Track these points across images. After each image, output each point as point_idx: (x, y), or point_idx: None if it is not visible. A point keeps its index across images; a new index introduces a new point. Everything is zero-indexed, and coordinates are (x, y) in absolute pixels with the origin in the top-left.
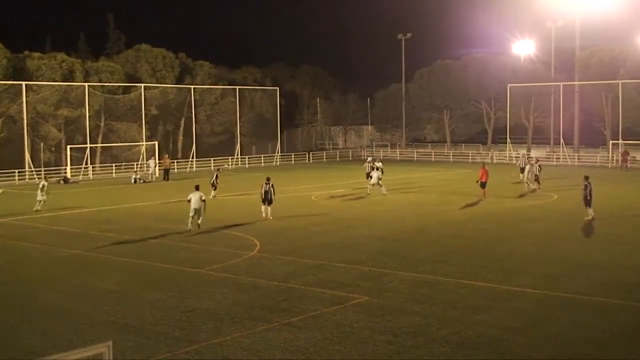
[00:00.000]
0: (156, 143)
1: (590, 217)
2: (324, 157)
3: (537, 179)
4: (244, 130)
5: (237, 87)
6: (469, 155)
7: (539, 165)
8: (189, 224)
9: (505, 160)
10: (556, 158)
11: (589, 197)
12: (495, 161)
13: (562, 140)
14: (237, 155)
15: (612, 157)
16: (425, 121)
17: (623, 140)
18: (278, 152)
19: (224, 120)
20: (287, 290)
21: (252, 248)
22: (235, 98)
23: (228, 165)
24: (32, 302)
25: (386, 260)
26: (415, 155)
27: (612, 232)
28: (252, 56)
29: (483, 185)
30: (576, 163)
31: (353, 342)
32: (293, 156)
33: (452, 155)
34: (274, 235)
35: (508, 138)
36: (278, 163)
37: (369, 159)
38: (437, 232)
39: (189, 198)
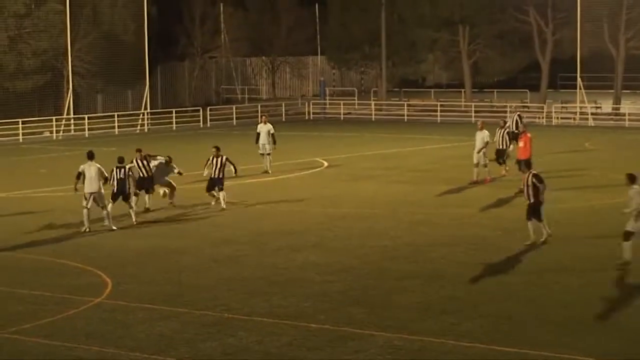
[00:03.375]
0: None
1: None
2: (233, 116)
3: (501, 156)
4: (80, 67)
5: None
6: (505, 111)
7: (508, 133)
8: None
9: (574, 119)
10: None
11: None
12: (555, 122)
13: None
14: (68, 112)
15: None
16: (425, 48)
17: None
18: (146, 109)
19: (43, 48)
20: None
21: (98, 290)
22: (65, 4)
23: (54, 132)
24: None
25: (352, 310)
26: (405, 112)
27: None
28: None
29: (526, 164)
30: None
31: None
32: (174, 115)
33: (476, 111)
34: (138, 264)
35: (579, 78)
36: (147, 128)
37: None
38: (443, 257)
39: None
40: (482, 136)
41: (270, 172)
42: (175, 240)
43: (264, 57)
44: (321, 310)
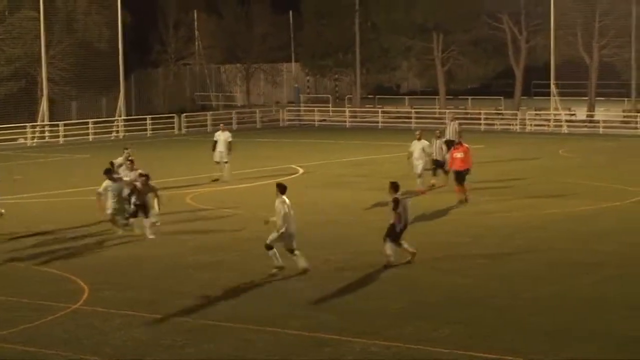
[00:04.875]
0: None
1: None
2: (208, 122)
3: (439, 166)
4: (55, 74)
5: None
6: (479, 118)
7: (446, 142)
8: None
9: (548, 126)
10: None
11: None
12: (529, 129)
13: None
14: (42, 119)
15: None
16: (399, 55)
17: None
18: (120, 115)
19: (17, 55)
20: None
21: (75, 297)
22: (39, 11)
23: (28, 139)
24: None
25: (327, 317)
26: (379, 119)
27: None
28: None
29: (459, 176)
30: None
31: None
32: (149, 122)
33: (450, 118)
34: (115, 271)
35: (552, 85)
36: (121, 134)
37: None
38: (414, 263)
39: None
40: (420, 146)
41: (228, 180)
42: (154, 249)
43: (238, 64)
44: (297, 316)
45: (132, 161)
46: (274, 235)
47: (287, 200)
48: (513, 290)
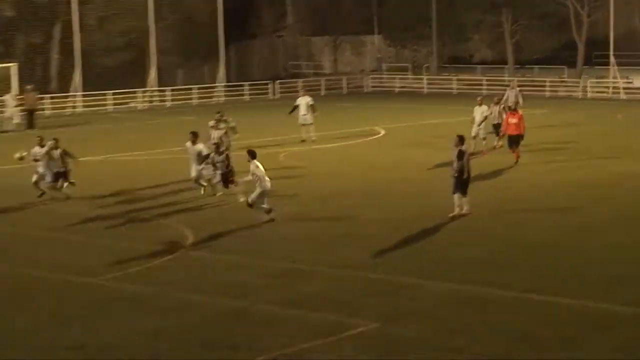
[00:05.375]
0: (14, 66)
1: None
2: (299, 88)
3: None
4: (163, 45)
5: None
6: (544, 85)
7: (504, 107)
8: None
9: (607, 93)
10: None
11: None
12: (590, 95)
13: None
14: (152, 85)
15: None
16: (472, 28)
17: None
18: (222, 81)
19: (129, 28)
20: (242, 313)
21: (182, 242)
22: None
23: (139, 103)
24: None
25: (406, 262)
26: (454, 86)
27: None
28: None
29: (512, 140)
30: None
31: None
32: (247, 88)
33: (511, 86)
34: (215, 220)
35: (612, 56)
36: (221, 99)
37: (217, 115)
38: (487, 219)
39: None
40: (481, 111)
41: (314, 139)
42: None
43: (326, 36)
44: (379, 262)
45: (218, 120)
46: (254, 194)
47: (259, 164)
48: (580, 241)
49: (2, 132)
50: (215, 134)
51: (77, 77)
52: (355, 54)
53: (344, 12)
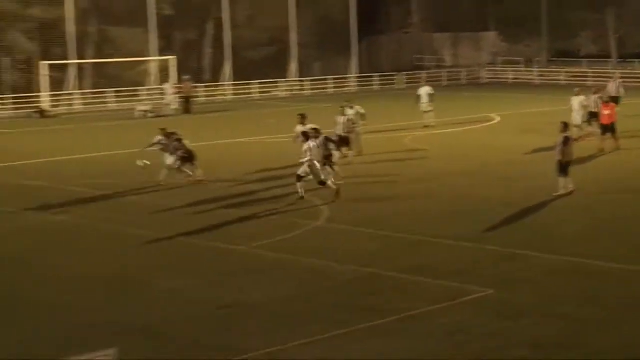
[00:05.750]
0: (172, 59)
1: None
2: (423, 79)
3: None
4: (303, 40)
5: None
6: None
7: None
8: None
9: None
10: None
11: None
12: None
13: None
14: (293, 76)
15: None
16: (578, 25)
17: None
18: (354, 73)
19: (273, 25)
20: (371, 279)
21: (317, 215)
22: None
23: (281, 91)
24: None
25: (518, 235)
26: (562, 77)
27: None
28: None
29: (605, 129)
30: None
31: (473, 356)
32: (376, 78)
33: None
34: (347, 197)
35: None
36: (354, 88)
37: (345, 103)
38: (590, 198)
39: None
40: (578, 100)
41: (433, 125)
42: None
43: (447, 33)
44: (492, 235)
45: (345, 107)
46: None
47: (311, 143)
48: None
49: (162, 116)
50: (341, 120)
51: (227, 69)
52: (473, 49)
53: (462, 12)
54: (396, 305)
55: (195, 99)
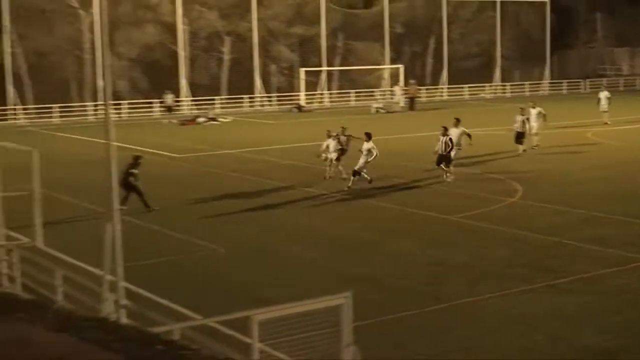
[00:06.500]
0: (401, 67)
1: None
2: (603, 85)
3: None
4: (506, 52)
5: (498, 0)
6: None
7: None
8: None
9: None
10: None
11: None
12: None
13: None
14: (497, 81)
15: None
16: None
17: None
18: (547, 79)
19: (481, 40)
20: (554, 246)
21: (513, 194)
22: (495, 13)
23: (487, 94)
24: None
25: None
26: None
27: None
28: None
29: None
30: None
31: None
32: (565, 84)
33: None
34: (537, 179)
35: None
36: (546, 92)
37: (530, 103)
38: None
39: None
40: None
41: (609, 123)
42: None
43: (626, 47)
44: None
45: (525, 107)
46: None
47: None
48: None
49: (392, 112)
50: (519, 118)
51: (444, 75)
52: None
53: (639, 28)
54: (574, 268)
55: (419, 99)
